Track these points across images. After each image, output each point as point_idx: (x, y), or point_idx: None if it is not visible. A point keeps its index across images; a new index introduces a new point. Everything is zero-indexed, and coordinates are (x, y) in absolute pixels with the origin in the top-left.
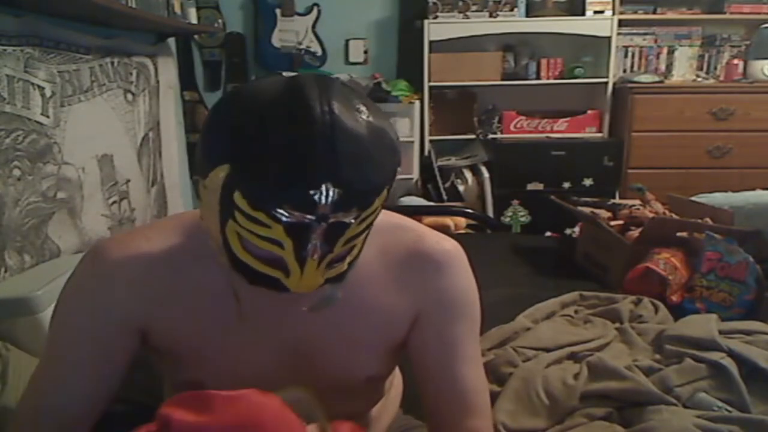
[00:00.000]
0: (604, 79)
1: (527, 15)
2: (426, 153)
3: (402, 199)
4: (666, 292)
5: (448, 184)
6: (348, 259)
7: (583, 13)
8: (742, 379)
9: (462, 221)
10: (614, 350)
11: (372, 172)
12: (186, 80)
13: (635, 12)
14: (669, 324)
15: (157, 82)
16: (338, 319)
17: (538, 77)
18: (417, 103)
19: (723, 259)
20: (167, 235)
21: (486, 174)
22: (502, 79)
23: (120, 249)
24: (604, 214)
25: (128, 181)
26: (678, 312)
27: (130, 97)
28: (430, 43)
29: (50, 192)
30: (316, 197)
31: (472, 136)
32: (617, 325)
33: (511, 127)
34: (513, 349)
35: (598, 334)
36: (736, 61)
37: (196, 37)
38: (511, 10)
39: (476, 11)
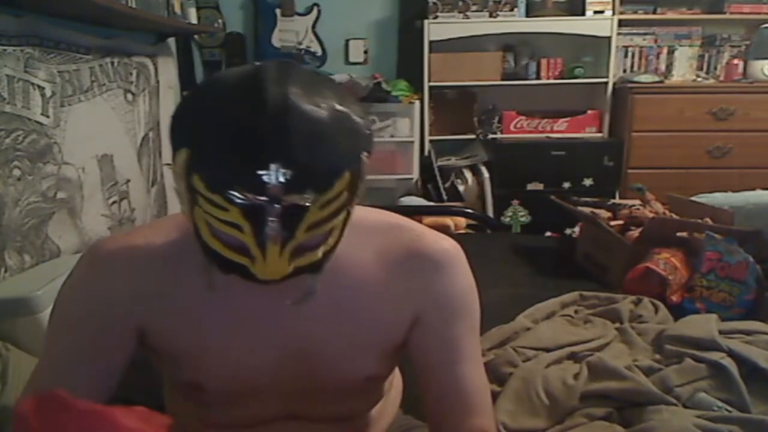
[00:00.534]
0: (604, 79)
1: (527, 15)
2: (426, 153)
3: (402, 199)
4: (666, 292)
5: (448, 184)
6: (322, 249)
7: (583, 13)
8: (742, 379)
9: (462, 221)
10: (614, 350)
11: (328, 154)
12: (186, 80)
13: (635, 12)
14: (669, 324)
15: (157, 82)
16: (337, 319)
17: (538, 77)
18: (417, 103)
19: (723, 259)
20: (164, 234)
21: (486, 174)
22: (502, 79)
23: (118, 247)
24: (604, 214)
25: (128, 181)
26: (678, 312)
27: (130, 97)
28: (430, 43)
29: (50, 192)
30: (266, 178)
31: (472, 136)
32: (617, 325)
33: (511, 127)
34: (513, 349)
35: (598, 334)
36: (736, 61)
37: (196, 37)
38: (511, 10)
39: (476, 11)
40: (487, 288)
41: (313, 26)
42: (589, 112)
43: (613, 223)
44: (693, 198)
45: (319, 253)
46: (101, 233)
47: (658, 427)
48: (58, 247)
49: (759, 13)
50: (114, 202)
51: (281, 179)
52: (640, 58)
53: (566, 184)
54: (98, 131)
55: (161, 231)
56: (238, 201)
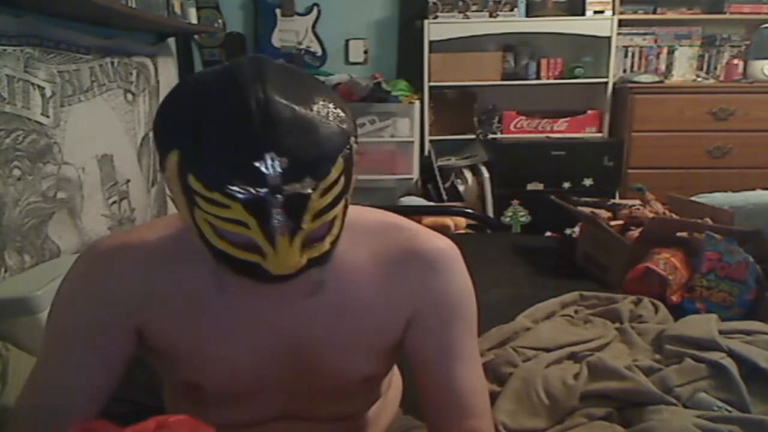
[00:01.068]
0: (604, 79)
1: (527, 15)
2: (426, 153)
3: (402, 199)
4: (666, 292)
5: (448, 184)
6: (329, 239)
7: (583, 13)
8: (742, 379)
9: (462, 221)
10: (614, 350)
11: (317, 140)
12: None
13: (635, 12)
14: (669, 324)
15: (157, 82)
16: (334, 319)
17: (538, 77)
18: (417, 103)
19: (723, 259)
20: (163, 234)
21: (486, 174)
22: (502, 79)
23: (116, 246)
24: (604, 214)
25: (128, 181)
26: (678, 312)
27: (130, 97)
28: (430, 43)
29: (50, 192)
30: (262, 168)
31: (472, 136)
32: (617, 325)
33: (511, 127)
34: (513, 349)
35: (598, 334)
36: (736, 61)
37: (196, 37)
38: (511, 10)
39: (476, 11)
40: (487, 288)
41: (313, 26)
42: (589, 112)
43: (613, 223)
44: (693, 198)
45: (327, 243)
46: (101, 233)
47: (658, 427)
48: (58, 247)
49: (759, 13)
50: (114, 202)
51: (278, 168)
52: (640, 58)
53: (566, 184)
54: (98, 131)
55: (158, 230)
56: (240, 195)
